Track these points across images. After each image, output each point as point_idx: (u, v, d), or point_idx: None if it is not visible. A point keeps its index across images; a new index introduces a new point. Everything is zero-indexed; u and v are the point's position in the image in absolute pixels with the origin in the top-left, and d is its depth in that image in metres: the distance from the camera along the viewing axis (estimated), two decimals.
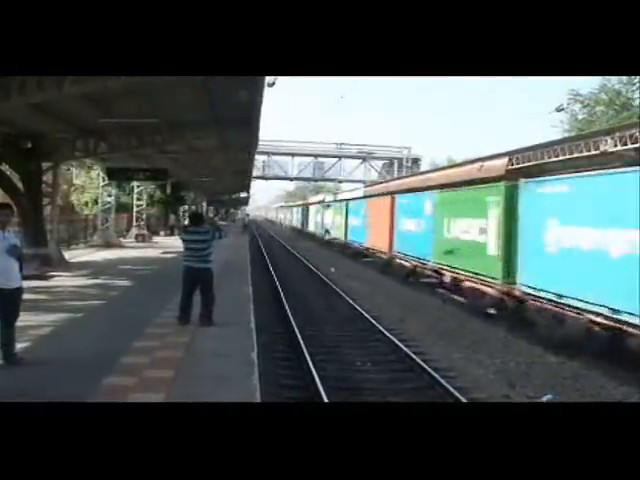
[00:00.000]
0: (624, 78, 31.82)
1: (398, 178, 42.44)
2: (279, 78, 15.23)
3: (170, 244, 30.95)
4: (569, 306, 12.97)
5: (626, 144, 13.83)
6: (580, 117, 34.92)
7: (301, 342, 12.73)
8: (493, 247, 16.82)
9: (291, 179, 66.01)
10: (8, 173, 20.69)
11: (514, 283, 15.56)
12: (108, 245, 30.20)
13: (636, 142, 13.51)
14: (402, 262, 25.69)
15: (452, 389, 9.82)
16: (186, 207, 56.02)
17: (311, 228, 60.60)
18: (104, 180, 33.43)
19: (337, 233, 43.55)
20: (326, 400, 8.99)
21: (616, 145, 14.14)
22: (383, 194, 32.75)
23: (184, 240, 10.71)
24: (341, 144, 61.90)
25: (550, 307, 13.70)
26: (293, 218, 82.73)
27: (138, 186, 41.94)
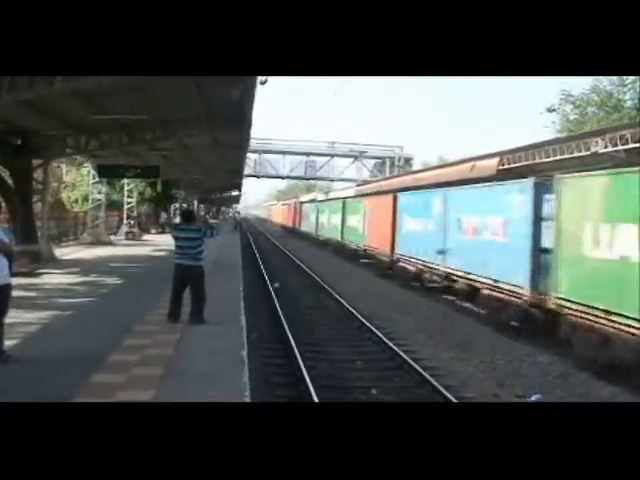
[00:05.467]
0: (615, 79, 31.95)
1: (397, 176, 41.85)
2: (271, 76, 15.23)
3: (161, 242, 30.86)
4: None
5: (616, 145, 13.89)
6: (571, 118, 35.01)
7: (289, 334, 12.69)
8: None
9: (283, 177, 65.91)
10: None
11: None
12: (98, 243, 30.09)
13: (627, 143, 13.57)
14: None
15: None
16: (177, 205, 55.94)
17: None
18: (94, 177, 33.35)
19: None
20: (316, 400, 8.96)
21: (607, 146, 14.20)
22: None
23: (175, 237, 10.69)
24: (333, 143, 61.91)
25: None
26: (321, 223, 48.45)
27: (129, 183, 41.85)
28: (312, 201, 57.88)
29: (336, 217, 40.17)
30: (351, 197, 40.15)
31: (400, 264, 24.15)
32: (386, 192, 30.01)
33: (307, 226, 56.40)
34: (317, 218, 49.46)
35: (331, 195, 53.47)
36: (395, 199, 26.21)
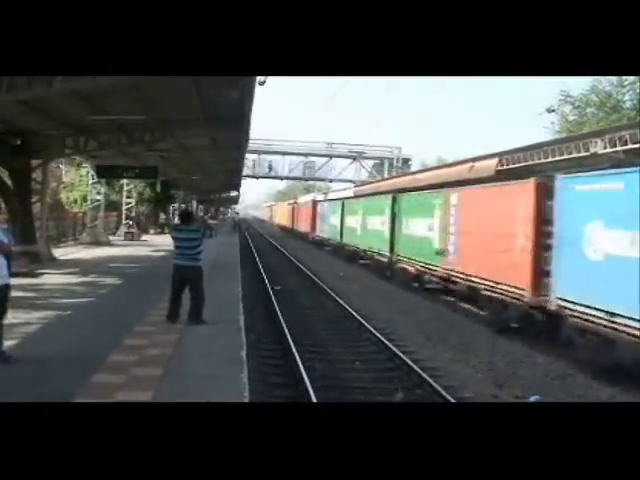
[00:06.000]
0: (615, 80, 31.99)
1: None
2: (270, 77, 15.22)
3: (160, 242, 30.87)
4: None
5: (615, 146, 13.90)
6: (571, 118, 35.02)
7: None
8: None
9: (282, 178, 65.91)
10: None
11: None
12: (97, 243, 30.09)
13: (626, 144, 13.58)
14: None
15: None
16: (176, 205, 55.94)
17: None
18: (93, 178, 33.33)
19: None
20: (315, 400, 8.95)
21: (606, 147, 14.21)
22: None
23: (174, 238, 10.71)
24: (331, 143, 61.90)
25: None
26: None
27: (128, 184, 41.87)
28: (335, 199, 43.43)
29: (378, 220, 27.28)
30: (409, 189, 25.94)
31: (593, 325, 11.39)
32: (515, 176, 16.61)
33: (326, 232, 42.29)
34: (342, 222, 36.24)
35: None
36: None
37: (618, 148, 13.82)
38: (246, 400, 6.52)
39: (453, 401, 9.17)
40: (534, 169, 16.75)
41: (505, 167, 18.16)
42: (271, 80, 16.22)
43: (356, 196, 38.22)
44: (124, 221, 40.47)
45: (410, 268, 22.22)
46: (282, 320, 14.73)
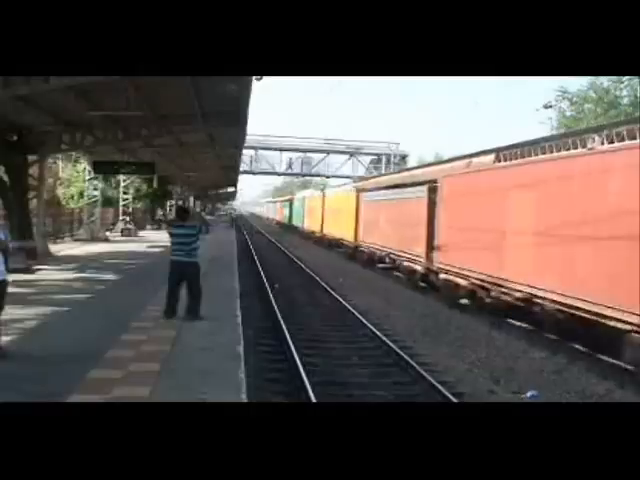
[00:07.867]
0: (613, 76, 31.97)
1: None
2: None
3: (156, 238, 30.81)
4: None
5: (613, 142, 13.91)
6: (568, 114, 35.03)
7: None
8: None
9: (279, 174, 65.91)
10: None
11: None
12: (94, 239, 30.04)
13: (623, 140, 13.59)
14: None
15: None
16: (173, 201, 55.89)
17: None
18: (90, 174, 33.28)
19: None
20: (314, 400, 8.92)
21: (603, 143, 14.22)
22: None
23: (171, 234, 10.71)
24: (329, 139, 61.83)
25: None
26: None
27: (124, 180, 41.80)
28: None
29: None
30: None
31: None
32: None
33: None
34: None
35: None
36: None
37: (616, 144, 13.83)
38: (244, 399, 6.51)
39: (454, 401, 9.17)
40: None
41: (502, 163, 18.16)
42: (268, 76, 16.21)
43: None
44: (121, 217, 40.42)
45: None
46: None
